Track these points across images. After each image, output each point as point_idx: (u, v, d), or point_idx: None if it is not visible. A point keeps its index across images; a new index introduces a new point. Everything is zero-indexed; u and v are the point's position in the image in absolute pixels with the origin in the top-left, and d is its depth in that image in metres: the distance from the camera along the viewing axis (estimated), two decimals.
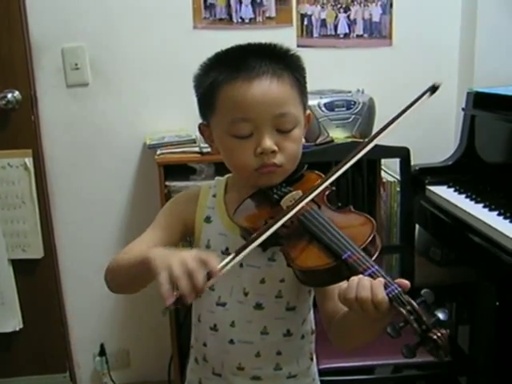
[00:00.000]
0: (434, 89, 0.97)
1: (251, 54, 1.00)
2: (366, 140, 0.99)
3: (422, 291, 0.81)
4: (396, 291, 0.80)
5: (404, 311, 0.79)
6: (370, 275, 0.83)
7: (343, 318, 0.97)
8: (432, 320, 0.78)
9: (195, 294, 0.83)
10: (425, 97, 0.97)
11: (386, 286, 0.81)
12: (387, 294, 0.80)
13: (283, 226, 0.94)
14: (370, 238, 0.89)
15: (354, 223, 0.95)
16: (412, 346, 0.78)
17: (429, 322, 0.78)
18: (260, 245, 0.95)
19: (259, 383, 1.12)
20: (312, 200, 0.99)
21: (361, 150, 0.97)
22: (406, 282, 0.83)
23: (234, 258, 0.89)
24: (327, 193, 1.02)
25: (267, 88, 0.97)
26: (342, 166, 0.97)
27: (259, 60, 0.99)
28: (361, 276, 0.84)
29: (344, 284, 0.85)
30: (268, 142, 0.98)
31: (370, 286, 0.82)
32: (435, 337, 0.77)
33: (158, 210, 1.19)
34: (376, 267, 0.84)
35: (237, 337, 1.10)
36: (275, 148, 0.99)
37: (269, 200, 1.02)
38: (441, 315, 0.79)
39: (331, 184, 1.04)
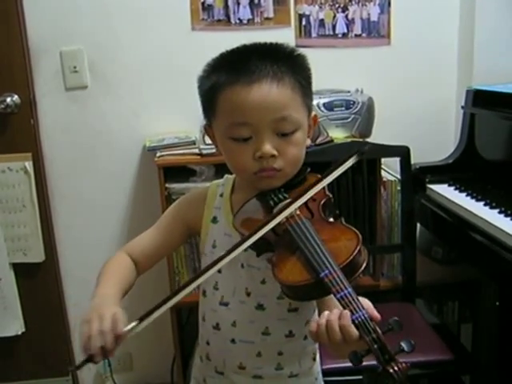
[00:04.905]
0: (360, 153, 0.95)
1: (253, 56, 0.99)
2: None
3: (390, 319, 0.79)
4: (362, 317, 0.79)
5: (368, 339, 0.78)
6: (341, 298, 0.81)
7: None
8: (395, 350, 0.77)
9: (103, 355, 0.88)
10: (351, 160, 0.95)
11: (353, 312, 0.80)
12: (353, 320, 0.79)
13: (275, 233, 0.94)
14: (351, 257, 0.86)
15: (340, 238, 0.92)
16: (374, 375, 0.77)
17: (392, 352, 0.77)
18: (254, 250, 0.96)
19: (261, 382, 1.12)
20: (307, 208, 0.98)
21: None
22: (376, 315, 0.81)
23: (138, 324, 0.92)
24: (323, 201, 1.00)
25: (267, 92, 0.96)
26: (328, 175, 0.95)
27: (260, 63, 0.98)
28: (328, 317, 0.82)
29: (313, 322, 0.84)
30: (267, 147, 0.97)
31: (338, 328, 0.80)
32: (392, 370, 0.76)
33: (159, 211, 1.20)
34: (348, 290, 0.82)
35: (238, 336, 1.10)
36: (274, 152, 0.98)
37: (265, 205, 1.01)
38: (406, 346, 0.77)
39: (329, 190, 1.03)
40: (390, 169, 2.10)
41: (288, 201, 0.97)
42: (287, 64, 1.00)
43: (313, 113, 1.08)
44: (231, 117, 0.99)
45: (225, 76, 0.99)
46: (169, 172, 1.98)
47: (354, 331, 0.79)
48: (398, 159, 1.94)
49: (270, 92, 0.97)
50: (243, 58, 1.00)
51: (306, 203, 0.98)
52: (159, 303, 0.92)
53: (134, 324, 0.92)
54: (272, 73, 0.97)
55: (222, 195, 1.13)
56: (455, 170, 2.00)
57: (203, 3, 2.12)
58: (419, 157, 1.99)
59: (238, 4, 2.13)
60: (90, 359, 0.89)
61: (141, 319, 0.92)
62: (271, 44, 1.03)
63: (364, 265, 0.88)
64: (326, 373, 1.26)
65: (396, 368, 0.76)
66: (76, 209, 2.27)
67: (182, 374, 2.15)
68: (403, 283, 2.02)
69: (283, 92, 0.98)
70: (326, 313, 0.84)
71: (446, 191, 1.89)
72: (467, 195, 1.82)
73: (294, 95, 1.00)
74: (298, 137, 1.01)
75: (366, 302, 0.82)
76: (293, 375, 1.13)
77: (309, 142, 1.07)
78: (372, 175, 1.98)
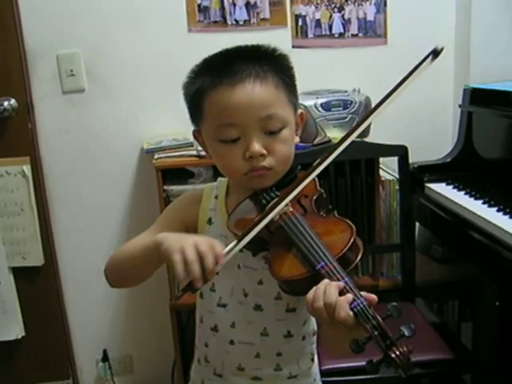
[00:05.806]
0: (435, 53, 0.90)
1: (235, 58, 1.00)
2: (361, 119, 0.95)
3: (389, 305, 0.80)
4: (361, 305, 0.79)
5: (368, 326, 0.78)
6: None
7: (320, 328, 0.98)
8: (396, 336, 0.77)
9: (204, 278, 0.86)
10: (426, 63, 0.92)
11: (352, 301, 0.80)
12: (352, 309, 0.79)
13: (269, 231, 0.95)
14: (346, 248, 0.87)
15: (333, 231, 0.94)
16: (376, 362, 0.78)
17: (393, 338, 0.77)
18: (249, 250, 0.97)
19: (260, 383, 1.12)
20: (299, 205, 0.99)
21: (356, 128, 0.94)
22: (373, 297, 0.82)
23: (237, 243, 0.91)
24: (315, 197, 1.02)
25: (251, 91, 0.97)
26: (326, 158, 0.95)
27: (243, 63, 0.99)
28: (326, 282, 0.83)
29: (310, 294, 0.84)
30: (256, 146, 0.98)
31: (336, 294, 0.81)
32: (394, 355, 0.76)
33: (157, 214, 1.20)
34: (346, 279, 0.83)
35: (237, 338, 1.10)
36: (264, 151, 0.98)
37: (258, 205, 1.01)
38: (406, 331, 0.78)
39: (320, 186, 1.04)
40: (389, 168, 2.10)
41: (293, 184, 0.97)
42: (270, 63, 1.01)
43: (299, 110, 1.08)
44: (218, 119, 0.99)
45: (209, 79, 1.00)
46: (167, 174, 1.98)
47: (349, 316, 0.79)
48: (396, 158, 1.94)
49: (253, 91, 0.97)
50: (226, 60, 1.01)
51: (298, 200, 0.99)
52: (256, 221, 0.92)
53: (232, 244, 0.91)
54: (255, 72, 0.98)
55: (216, 197, 1.14)
56: (453, 169, 2.00)
57: (199, 5, 2.12)
58: (417, 156, 1.99)
59: (234, 5, 2.13)
60: (190, 286, 0.87)
61: (239, 239, 0.92)
62: (253, 46, 1.04)
63: (359, 255, 0.89)
64: (325, 373, 1.26)
65: (398, 352, 0.76)
66: (75, 212, 2.27)
67: (182, 377, 2.15)
68: (403, 283, 2.02)
69: (267, 90, 0.99)
70: (326, 280, 0.84)
71: (444, 190, 1.89)
72: (466, 194, 1.81)
73: (278, 93, 1.00)
74: (285, 134, 1.01)
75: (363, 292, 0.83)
76: (292, 376, 1.13)
77: (297, 139, 1.08)
78: (370, 175, 1.99)
